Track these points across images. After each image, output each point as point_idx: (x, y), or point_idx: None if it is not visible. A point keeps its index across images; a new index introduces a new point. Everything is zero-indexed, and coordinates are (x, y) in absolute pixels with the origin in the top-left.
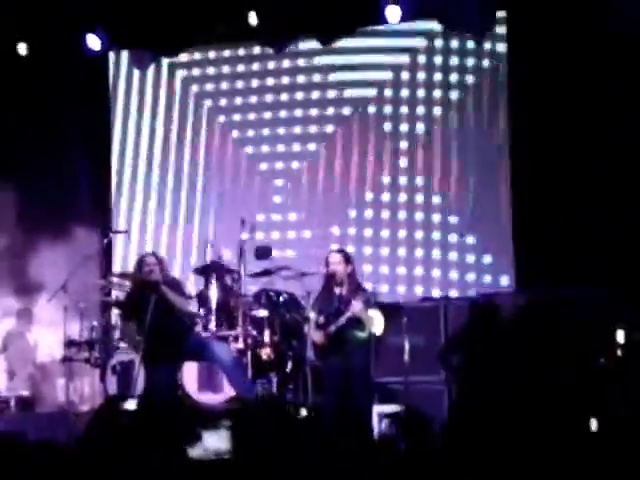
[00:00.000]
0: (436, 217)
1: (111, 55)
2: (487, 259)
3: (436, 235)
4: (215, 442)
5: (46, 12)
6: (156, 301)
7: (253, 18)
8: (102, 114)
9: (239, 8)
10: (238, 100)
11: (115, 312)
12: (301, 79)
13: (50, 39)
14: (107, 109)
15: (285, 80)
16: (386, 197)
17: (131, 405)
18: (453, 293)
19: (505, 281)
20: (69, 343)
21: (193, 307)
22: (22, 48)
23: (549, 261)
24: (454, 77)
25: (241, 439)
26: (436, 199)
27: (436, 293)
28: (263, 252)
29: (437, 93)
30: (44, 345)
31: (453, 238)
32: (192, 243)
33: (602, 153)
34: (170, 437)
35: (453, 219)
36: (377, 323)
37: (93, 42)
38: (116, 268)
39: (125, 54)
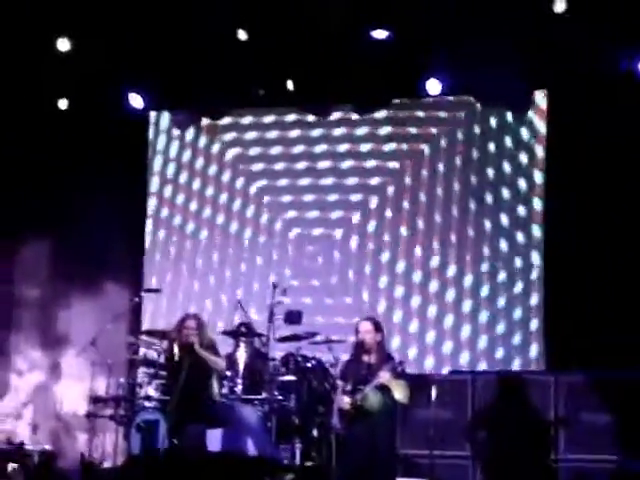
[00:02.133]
0: (467, 293)
1: (152, 115)
2: (517, 337)
3: (466, 307)
4: None
5: (90, 69)
6: (190, 363)
7: (291, 85)
8: (139, 172)
9: (279, 74)
10: (274, 166)
11: (142, 370)
12: (336, 147)
13: (92, 96)
14: (144, 168)
15: (321, 148)
16: (417, 268)
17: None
18: (482, 367)
19: (535, 360)
20: (95, 399)
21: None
22: (63, 103)
23: (580, 344)
24: (490, 153)
25: None
26: (468, 275)
27: (464, 365)
28: (293, 317)
29: (474, 168)
30: (69, 399)
31: (483, 315)
32: (222, 304)
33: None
34: None
35: (484, 292)
36: (404, 393)
37: (135, 101)
38: (145, 326)
39: (165, 114)
